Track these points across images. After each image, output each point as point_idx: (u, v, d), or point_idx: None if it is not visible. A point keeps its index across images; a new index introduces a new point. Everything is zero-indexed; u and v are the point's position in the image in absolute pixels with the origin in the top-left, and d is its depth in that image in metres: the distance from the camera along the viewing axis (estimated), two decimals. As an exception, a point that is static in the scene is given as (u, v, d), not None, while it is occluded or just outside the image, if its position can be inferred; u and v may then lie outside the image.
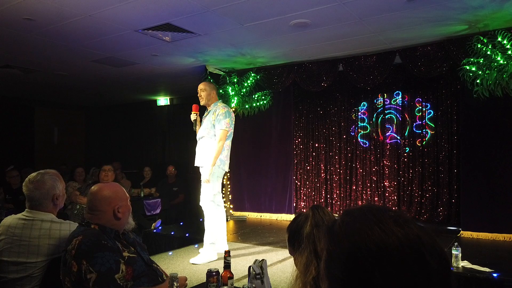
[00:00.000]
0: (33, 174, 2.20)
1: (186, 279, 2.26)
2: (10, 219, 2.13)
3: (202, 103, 4.14)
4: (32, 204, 2.15)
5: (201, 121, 4.17)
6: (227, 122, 3.97)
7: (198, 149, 4.09)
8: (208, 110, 4.13)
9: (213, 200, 3.97)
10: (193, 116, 4.17)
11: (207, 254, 3.91)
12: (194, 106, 4.20)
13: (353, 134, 6.48)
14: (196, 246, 4.53)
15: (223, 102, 4.25)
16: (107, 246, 1.87)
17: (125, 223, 2.10)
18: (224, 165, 4.04)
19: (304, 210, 5.73)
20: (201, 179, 4.03)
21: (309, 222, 1.50)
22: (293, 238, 1.55)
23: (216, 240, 4.00)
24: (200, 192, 4.07)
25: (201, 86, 4.14)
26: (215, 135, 3.97)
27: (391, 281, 0.60)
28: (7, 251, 2.04)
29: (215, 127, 3.97)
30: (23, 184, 2.19)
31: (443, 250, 0.65)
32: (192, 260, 3.88)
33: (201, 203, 4.05)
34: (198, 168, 4.11)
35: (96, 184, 2.16)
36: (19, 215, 2.14)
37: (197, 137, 4.13)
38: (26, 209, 2.16)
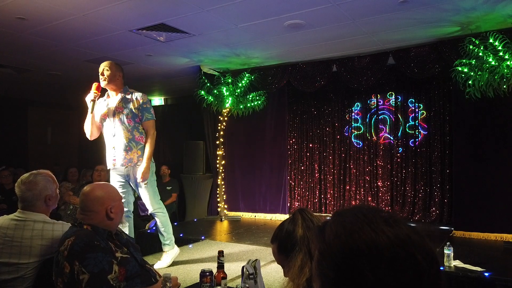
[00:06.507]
0: (26, 175, 2.19)
1: (177, 278, 2.26)
2: (2, 220, 2.12)
3: (103, 84, 3.45)
4: (24, 205, 2.13)
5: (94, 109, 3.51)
6: (153, 111, 3.56)
7: (118, 146, 3.48)
8: (119, 97, 3.49)
9: (160, 199, 3.70)
10: (92, 95, 3.42)
11: (172, 254, 3.80)
12: (96, 85, 3.46)
13: (346, 134, 6.51)
14: (190, 246, 4.53)
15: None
16: (100, 247, 1.86)
17: (118, 223, 2.10)
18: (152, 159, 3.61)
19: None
20: (133, 181, 3.60)
21: (301, 225, 1.49)
22: (285, 246, 1.51)
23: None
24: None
25: (106, 64, 3.44)
26: (138, 127, 3.48)
27: (382, 280, 0.61)
28: (-1, 252, 2.03)
29: (141, 117, 3.46)
30: (16, 184, 2.18)
31: (433, 249, 0.66)
32: (157, 266, 3.60)
33: (152, 209, 3.71)
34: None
35: (89, 184, 2.14)
36: (11, 216, 2.13)
37: (107, 132, 3.56)
38: (18, 210, 2.15)
